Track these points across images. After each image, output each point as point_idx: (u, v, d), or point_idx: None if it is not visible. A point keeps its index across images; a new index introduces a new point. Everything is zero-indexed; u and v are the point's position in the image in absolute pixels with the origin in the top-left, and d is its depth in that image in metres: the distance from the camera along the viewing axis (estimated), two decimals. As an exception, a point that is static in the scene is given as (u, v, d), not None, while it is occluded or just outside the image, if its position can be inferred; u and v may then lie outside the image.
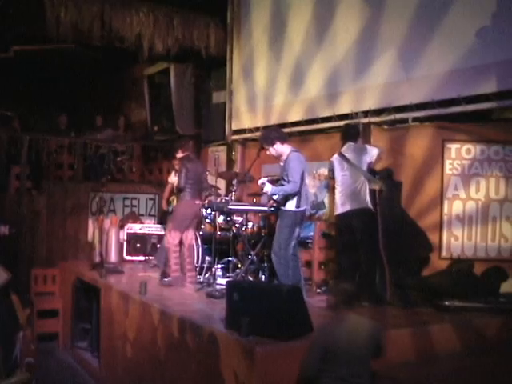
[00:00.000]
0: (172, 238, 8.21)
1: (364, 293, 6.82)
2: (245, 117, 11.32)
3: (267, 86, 10.72)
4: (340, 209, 7.38)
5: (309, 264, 8.17)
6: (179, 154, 8.46)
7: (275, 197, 6.94)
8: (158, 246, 10.02)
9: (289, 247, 6.83)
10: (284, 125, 9.64)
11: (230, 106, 11.71)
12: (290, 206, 6.87)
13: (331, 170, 7.66)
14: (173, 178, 9.03)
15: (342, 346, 4.67)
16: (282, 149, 7.04)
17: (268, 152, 7.15)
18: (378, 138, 8.44)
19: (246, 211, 8.31)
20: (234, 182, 8.72)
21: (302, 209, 6.88)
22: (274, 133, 7.18)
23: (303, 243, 8.53)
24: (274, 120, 10.31)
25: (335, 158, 7.56)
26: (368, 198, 7.31)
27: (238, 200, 9.32)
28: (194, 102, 12.82)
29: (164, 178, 11.94)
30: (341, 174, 7.42)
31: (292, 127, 9.76)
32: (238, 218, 8.63)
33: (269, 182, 7.11)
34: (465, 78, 7.34)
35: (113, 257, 9.92)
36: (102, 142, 12.47)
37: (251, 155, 10.25)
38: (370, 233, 7.23)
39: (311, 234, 8.44)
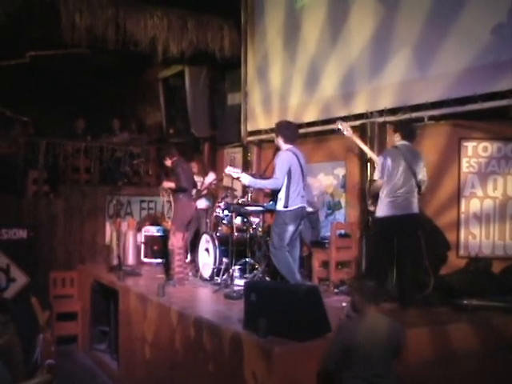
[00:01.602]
0: (176, 240, 8.41)
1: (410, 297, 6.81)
2: (260, 118, 11.34)
3: (282, 87, 10.74)
4: (387, 211, 6.88)
5: (326, 264, 8.17)
6: (168, 162, 8.65)
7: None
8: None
9: (282, 246, 6.98)
10: (300, 125, 9.62)
11: (245, 107, 11.72)
12: (279, 206, 7.03)
13: (382, 166, 6.96)
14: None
15: (361, 343, 4.68)
16: (280, 145, 7.25)
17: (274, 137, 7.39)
18: (393, 136, 8.42)
19: (263, 212, 8.31)
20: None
21: (291, 208, 6.99)
22: (286, 129, 7.29)
23: (320, 243, 8.54)
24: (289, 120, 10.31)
25: (391, 152, 7.07)
26: (416, 203, 6.97)
27: (255, 201, 9.33)
28: (209, 104, 12.86)
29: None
30: (394, 173, 6.89)
31: (307, 128, 9.76)
32: (254, 219, 8.64)
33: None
34: (480, 75, 7.31)
35: (130, 259, 9.96)
36: (117, 145, 12.53)
37: (267, 156, 10.27)
38: (417, 238, 7.14)
39: (328, 234, 8.45)
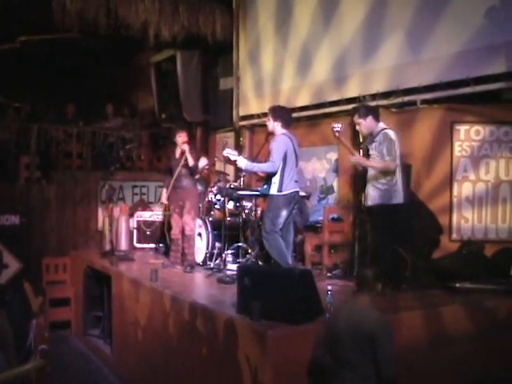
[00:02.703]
0: (194, 226, 8.57)
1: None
2: (252, 102, 11.31)
3: (274, 71, 10.70)
4: (400, 198, 6.75)
5: (319, 248, 8.18)
6: (183, 139, 8.46)
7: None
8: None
9: (274, 230, 7.02)
10: (292, 110, 9.57)
11: (237, 91, 11.69)
12: (273, 190, 7.07)
13: (396, 147, 6.76)
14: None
15: (338, 329, 4.66)
16: (276, 130, 7.26)
17: (267, 123, 7.40)
18: (387, 121, 8.34)
19: (256, 196, 8.31)
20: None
21: (285, 193, 7.04)
22: (284, 114, 7.32)
23: (313, 227, 8.55)
24: (282, 105, 10.26)
25: (395, 134, 6.86)
26: None
27: (247, 185, 9.33)
28: (201, 89, 12.81)
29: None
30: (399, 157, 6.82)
31: (300, 112, 9.74)
32: (247, 204, 8.64)
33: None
34: (473, 58, 7.29)
35: (123, 244, 9.97)
36: (110, 130, 12.49)
37: (259, 141, 10.23)
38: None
39: (320, 218, 8.45)
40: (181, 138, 8.46)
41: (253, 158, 8.07)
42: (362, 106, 7.33)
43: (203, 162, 9.84)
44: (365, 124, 6.85)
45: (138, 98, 15.44)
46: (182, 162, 8.36)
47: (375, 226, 6.81)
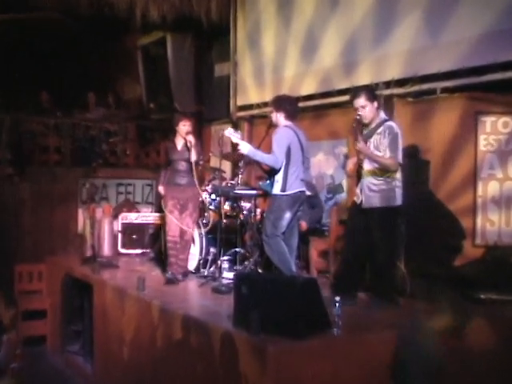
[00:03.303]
0: (194, 231, 8.53)
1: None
2: (251, 91, 11.30)
3: (276, 56, 10.69)
4: (399, 200, 6.70)
5: (325, 254, 8.16)
6: (190, 127, 8.37)
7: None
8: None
9: (276, 234, 7.01)
10: (297, 98, 9.59)
11: (234, 79, 11.69)
12: (276, 189, 7.06)
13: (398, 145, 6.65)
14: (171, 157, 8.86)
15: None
16: (280, 121, 7.25)
17: (270, 114, 7.41)
18: (402, 112, 8.40)
19: (255, 196, 8.28)
20: (241, 163, 8.69)
21: (289, 193, 7.02)
22: (288, 104, 7.29)
23: (319, 231, 8.54)
24: (284, 93, 10.25)
25: (399, 128, 6.78)
26: None
27: (246, 184, 9.30)
28: (195, 76, 12.82)
29: (162, 161, 11.93)
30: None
31: (305, 101, 9.69)
32: (245, 204, 8.61)
33: None
34: (501, 41, 7.23)
35: (106, 250, 9.95)
36: (92, 121, 12.48)
37: (259, 133, 10.18)
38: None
39: (328, 220, 8.43)
40: (185, 126, 8.24)
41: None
42: (368, 88, 7.27)
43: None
44: (371, 109, 6.72)
45: (123, 86, 15.43)
46: (186, 155, 8.22)
47: (378, 231, 6.73)
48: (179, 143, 8.34)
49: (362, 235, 6.69)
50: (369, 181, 6.60)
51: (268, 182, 7.20)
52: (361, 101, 6.62)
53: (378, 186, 6.55)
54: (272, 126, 7.48)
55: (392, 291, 6.65)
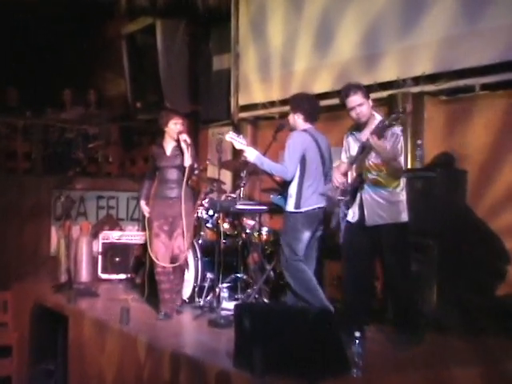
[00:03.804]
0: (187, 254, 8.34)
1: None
2: (256, 88, 11.33)
3: (285, 47, 10.71)
4: (406, 215, 6.69)
5: (340, 279, 8.12)
6: (183, 126, 8.11)
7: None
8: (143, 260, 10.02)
9: (295, 259, 6.98)
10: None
11: (236, 73, 11.73)
12: (290, 205, 7.06)
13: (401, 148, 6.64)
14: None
15: None
16: (299, 125, 7.24)
17: (287, 117, 7.40)
18: (434, 113, 8.39)
19: (260, 212, 8.26)
20: (243, 173, 8.66)
21: (304, 210, 7.00)
22: (306, 104, 7.27)
23: (334, 251, 8.50)
24: (294, 91, 10.21)
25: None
26: None
27: (249, 198, 9.30)
28: (189, 70, 12.86)
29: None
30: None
31: (320, 100, 9.68)
32: (248, 222, 8.62)
33: None
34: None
35: (84, 275, 9.98)
36: (68, 123, 12.50)
37: (265, 138, 10.20)
38: None
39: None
40: (177, 125, 8.02)
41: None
42: (356, 84, 7.18)
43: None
44: (368, 107, 6.67)
45: (104, 82, 15.47)
46: (177, 161, 8.00)
47: (389, 254, 6.69)
48: (168, 147, 8.12)
49: (364, 259, 6.67)
50: (372, 193, 6.57)
51: (279, 196, 7.19)
52: (358, 98, 6.58)
53: (384, 198, 6.52)
54: (279, 130, 7.49)
55: (416, 323, 6.61)
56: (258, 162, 7.12)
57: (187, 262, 8.38)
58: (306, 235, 6.99)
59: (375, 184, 6.52)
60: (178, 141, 8.00)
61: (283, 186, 7.19)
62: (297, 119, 7.21)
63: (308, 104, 7.30)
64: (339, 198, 6.55)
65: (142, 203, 8.31)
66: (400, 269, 6.52)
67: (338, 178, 6.61)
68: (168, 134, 8.10)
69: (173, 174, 8.04)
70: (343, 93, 6.71)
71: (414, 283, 6.80)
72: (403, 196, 6.56)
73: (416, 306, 6.73)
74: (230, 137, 7.30)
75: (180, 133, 7.98)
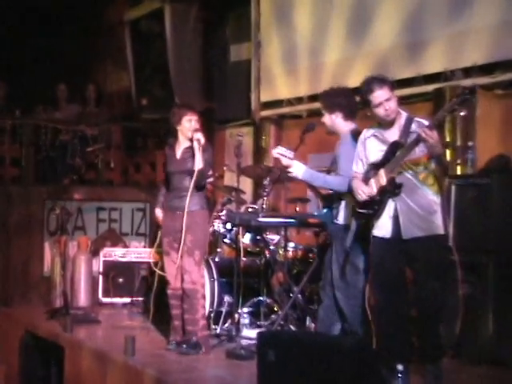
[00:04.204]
0: (201, 275, 7.98)
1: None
2: (280, 82, 11.35)
3: (314, 34, 10.72)
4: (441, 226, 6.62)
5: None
6: (197, 123, 7.93)
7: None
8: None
9: (358, 278, 6.88)
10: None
11: (257, 65, 11.75)
12: (345, 217, 6.96)
13: None
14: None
15: None
16: (340, 125, 7.14)
17: (322, 119, 7.26)
18: (488, 109, 8.35)
19: (286, 225, 8.26)
20: (266, 181, 8.67)
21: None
22: (343, 99, 7.19)
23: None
24: (324, 86, 10.19)
25: None
26: None
27: (273, 209, 9.29)
28: (203, 61, 12.87)
29: (158, 176, 11.94)
30: None
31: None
32: (273, 237, 8.62)
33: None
34: None
35: (82, 299, 10.00)
36: (62, 123, 12.53)
37: (291, 140, 10.21)
38: None
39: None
40: (192, 122, 7.86)
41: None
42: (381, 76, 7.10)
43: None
44: (395, 103, 6.60)
45: (105, 75, 15.52)
46: (188, 165, 7.78)
47: (425, 272, 6.65)
48: (180, 149, 8.01)
49: (400, 281, 6.61)
50: (409, 199, 6.50)
51: (326, 210, 7.14)
52: (384, 92, 6.50)
53: (422, 205, 6.44)
54: (308, 131, 7.43)
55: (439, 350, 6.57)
56: (309, 177, 7.00)
57: (198, 287, 7.93)
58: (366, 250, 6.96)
59: (421, 182, 6.48)
60: (192, 141, 7.80)
61: (327, 199, 7.14)
62: (335, 119, 7.12)
63: (346, 99, 7.20)
64: (359, 211, 6.46)
65: (158, 212, 8.27)
66: (437, 291, 6.47)
67: (363, 189, 6.41)
68: (181, 132, 7.92)
69: (182, 181, 7.84)
70: (366, 88, 6.51)
71: (455, 310, 6.74)
72: (440, 203, 6.52)
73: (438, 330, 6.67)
74: (279, 152, 7.04)
75: (195, 131, 7.79)
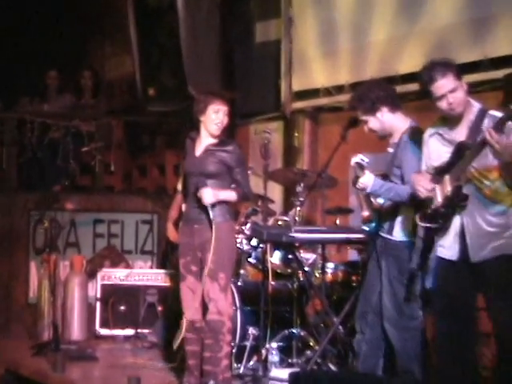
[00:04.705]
0: (229, 304, 7.85)
1: None
2: (316, 67, 11.36)
3: (357, 10, 10.73)
4: None
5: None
6: (226, 115, 7.80)
7: (380, 200, 6.97)
8: (159, 309, 10.05)
9: (413, 306, 6.83)
10: (390, 80, 9.57)
11: (288, 47, 11.79)
12: (400, 234, 6.95)
13: None
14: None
15: None
16: (391, 121, 7.09)
17: (365, 127, 7.17)
18: None
19: (324, 242, 8.24)
20: (300, 187, 8.67)
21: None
22: (379, 91, 7.15)
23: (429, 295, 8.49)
24: (370, 71, 10.24)
25: None
26: None
27: (308, 222, 9.28)
28: (222, 42, 12.86)
29: (168, 182, 11.97)
30: None
31: (405, 84, 9.67)
32: (307, 256, 8.61)
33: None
34: None
35: (76, 330, 10.02)
36: (53, 117, 12.57)
37: (330, 137, 10.23)
38: None
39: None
40: (218, 113, 7.73)
41: (322, 170, 7.98)
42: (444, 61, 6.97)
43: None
44: (463, 93, 6.42)
45: (104, 60, 15.54)
46: (209, 166, 7.66)
47: (499, 299, 6.59)
48: (200, 145, 7.89)
49: (467, 311, 6.56)
50: (478, 215, 6.45)
51: (373, 224, 7.12)
52: (448, 82, 6.41)
53: (494, 222, 6.42)
54: (352, 126, 7.39)
55: None
56: (379, 189, 6.93)
57: (225, 317, 7.80)
58: (422, 274, 6.93)
59: (488, 198, 6.43)
60: (217, 137, 7.77)
61: (380, 211, 7.11)
62: (383, 117, 7.04)
63: (381, 90, 7.18)
64: (422, 224, 6.39)
65: (169, 227, 8.26)
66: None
67: (425, 185, 6.30)
68: (204, 125, 7.79)
69: (200, 186, 7.67)
70: (426, 76, 6.38)
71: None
72: None
73: None
74: (357, 162, 7.01)
75: (222, 124, 7.76)
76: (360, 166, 6.91)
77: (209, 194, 7.40)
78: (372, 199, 7.23)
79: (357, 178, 6.90)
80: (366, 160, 6.97)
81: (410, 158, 6.79)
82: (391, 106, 7.04)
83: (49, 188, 11.54)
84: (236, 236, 8.28)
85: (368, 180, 6.83)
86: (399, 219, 6.91)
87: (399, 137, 6.97)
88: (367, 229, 7.42)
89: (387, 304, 6.92)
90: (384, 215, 7.07)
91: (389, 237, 6.97)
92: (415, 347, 6.83)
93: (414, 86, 9.49)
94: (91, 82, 14.11)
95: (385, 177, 7.03)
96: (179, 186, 9.42)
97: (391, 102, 7.06)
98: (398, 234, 6.91)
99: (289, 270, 8.64)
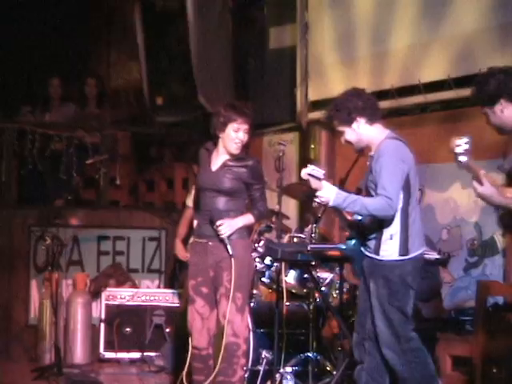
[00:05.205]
0: (245, 325, 7.83)
1: None
2: (334, 75, 11.40)
3: (377, 15, 10.75)
4: None
5: (466, 364, 8.07)
6: (247, 133, 7.77)
7: (358, 217, 7.04)
8: (167, 330, 10.05)
9: (411, 327, 6.87)
10: (412, 89, 9.56)
11: (304, 53, 11.80)
12: (390, 252, 6.90)
13: None
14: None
15: None
16: (368, 133, 7.10)
17: (342, 138, 7.25)
18: None
19: (342, 261, 8.23)
20: (316, 203, 8.66)
21: (414, 255, 6.90)
22: (357, 101, 7.11)
23: (453, 323, 8.47)
24: (391, 80, 10.24)
25: None
26: None
27: (325, 238, 9.27)
28: (234, 48, 12.87)
29: (177, 196, 11.96)
30: None
31: (427, 93, 9.68)
32: (324, 275, 8.60)
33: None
34: None
35: (79, 353, 10.02)
36: (55, 128, 12.58)
37: (348, 150, 10.18)
38: None
39: (470, 303, 8.37)
40: (238, 132, 7.65)
41: (340, 184, 7.97)
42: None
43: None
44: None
45: (109, 67, 15.56)
46: (225, 183, 7.62)
47: None
48: (217, 160, 7.84)
49: None
50: None
51: (369, 242, 7.09)
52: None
53: None
54: (357, 151, 7.36)
55: None
56: (342, 203, 6.82)
57: (244, 338, 7.81)
58: (413, 293, 6.92)
59: None
60: (234, 156, 7.67)
61: (359, 225, 7.10)
62: (358, 129, 7.04)
63: (358, 100, 7.11)
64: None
65: (177, 244, 8.23)
66: None
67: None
68: (223, 142, 7.73)
69: (215, 202, 7.70)
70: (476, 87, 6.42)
71: None
72: None
73: None
74: (309, 173, 6.86)
75: (242, 143, 7.68)
76: (316, 178, 6.81)
77: (226, 228, 7.41)
78: (346, 215, 7.25)
79: (314, 191, 6.84)
80: (322, 171, 6.87)
81: (385, 166, 6.80)
82: (369, 117, 7.04)
83: (51, 203, 11.57)
84: (250, 252, 8.16)
85: (329, 192, 6.77)
86: (385, 237, 6.86)
87: (377, 148, 6.98)
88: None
89: (382, 327, 6.90)
90: (367, 233, 7.01)
91: (376, 257, 6.92)
92: (420, 369, 6.82)
93: (437, 96, 9.58)
94: (96, 90, 14.10)
95: (358, 192, 7.05)
96: (188, 201, 9.50)
97: (369, 113, 7.05)
98: (385, 253, 6.86)
99: (304, 291, 8.64)
